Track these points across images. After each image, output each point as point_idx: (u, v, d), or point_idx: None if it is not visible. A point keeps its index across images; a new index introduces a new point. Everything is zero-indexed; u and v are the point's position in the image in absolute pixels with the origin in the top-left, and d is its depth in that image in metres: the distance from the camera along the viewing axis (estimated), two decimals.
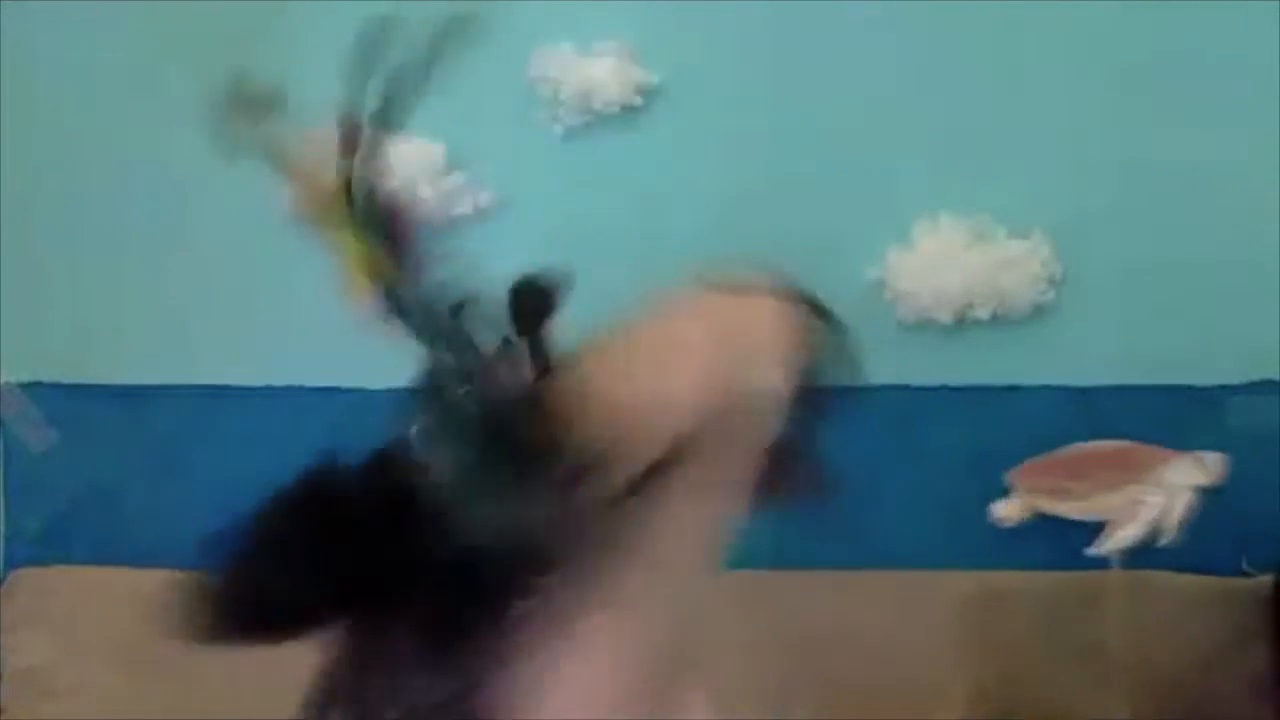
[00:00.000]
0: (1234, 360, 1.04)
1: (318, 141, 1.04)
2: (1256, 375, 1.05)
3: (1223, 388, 1.04)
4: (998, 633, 1.04)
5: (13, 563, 1.12)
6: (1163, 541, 1.06)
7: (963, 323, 1.03)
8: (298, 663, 1.12)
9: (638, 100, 0.99)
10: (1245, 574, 1.06)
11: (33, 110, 1.01)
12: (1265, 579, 1.05)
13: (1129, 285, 1.03)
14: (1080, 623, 1.06)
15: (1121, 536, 1.11)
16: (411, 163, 1.00)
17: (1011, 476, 1.13)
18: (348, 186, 0.58)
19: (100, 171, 1.03)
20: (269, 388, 1.09)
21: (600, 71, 0.97)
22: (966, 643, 1.06)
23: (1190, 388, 1.05)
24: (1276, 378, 1.04)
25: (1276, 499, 1.02)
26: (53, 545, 1.12)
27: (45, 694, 1.10)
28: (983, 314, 1.03)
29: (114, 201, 1.04)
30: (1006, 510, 1.13)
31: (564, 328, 0.99)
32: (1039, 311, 1.03)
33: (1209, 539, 1.02)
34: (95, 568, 1.11)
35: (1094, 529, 1.13)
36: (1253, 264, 1.02)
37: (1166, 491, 1.10)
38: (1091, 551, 1.08)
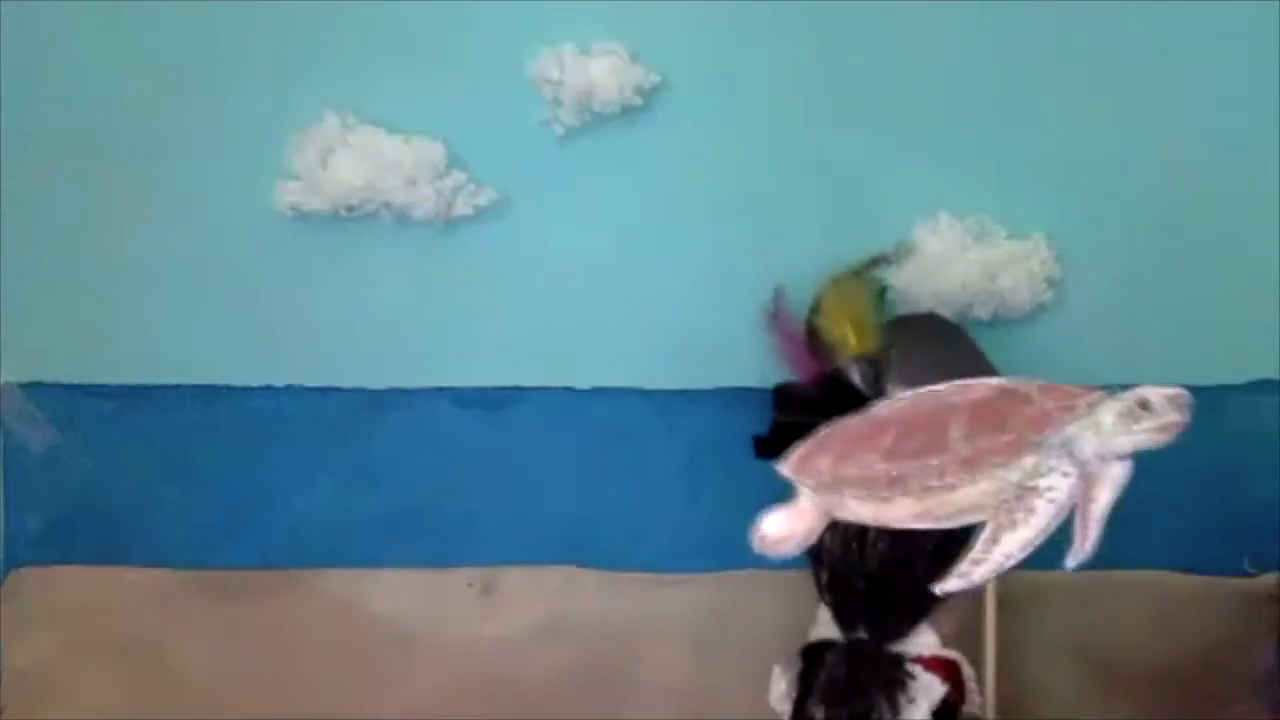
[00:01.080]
0: (1234, 360, 1.04)
1: (314, 140, 1.05)
2: (1256, 375, 1.05)
3: (1223, 388, 1.04)
4: (997, 633, 1.04)
5: (13, 563, 1.12)
6: (1079, 554, 0.70)
7: (963, 323, 1.03)
8: (299, 663, 1.13)
9: (638, 100, 0.99)
10: (1246, 574, 1.06)
11: (33, 110, 1.01)
12: (1266, 579, 1.05)
13: (1129, 285, 1.03)
14: (1080, 623, 1.06)
15: (996, 558, 0.69)
16: (411, 163, 1.00)
17: (788, 465, 0.79)
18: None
19: (100, 171, 1.03)
20: (269, 388, 1.09)
21: (600, 71, 0.97)
22: (966, 643, 1.06)
23: (1190, 388, 1.05)
24: (1276, 378, 1.04)
25: (1276, 499, 1.02)
26: (53, 545, 1.12)
27: (45, 694, 1.10)
28: (983, 314, 1.03)
29: (114, 201, 1.04)
30: (778, 527, 0.77)
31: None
32: (1039, 311, 1.03)
33: (1209, 539, 1.02)
34: (95, 568, 1.11)
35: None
36: (1253, 264, 1.02)
37: (1077, 463, 0.70)
38: (942, 589, 0.73)
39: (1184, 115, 0.99)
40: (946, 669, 0.90)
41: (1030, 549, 0.71)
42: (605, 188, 1.02)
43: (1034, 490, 0.71)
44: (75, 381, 1.09)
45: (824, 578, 0.92)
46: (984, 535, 0.72)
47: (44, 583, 1.11)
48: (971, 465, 0.72)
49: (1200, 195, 1.01)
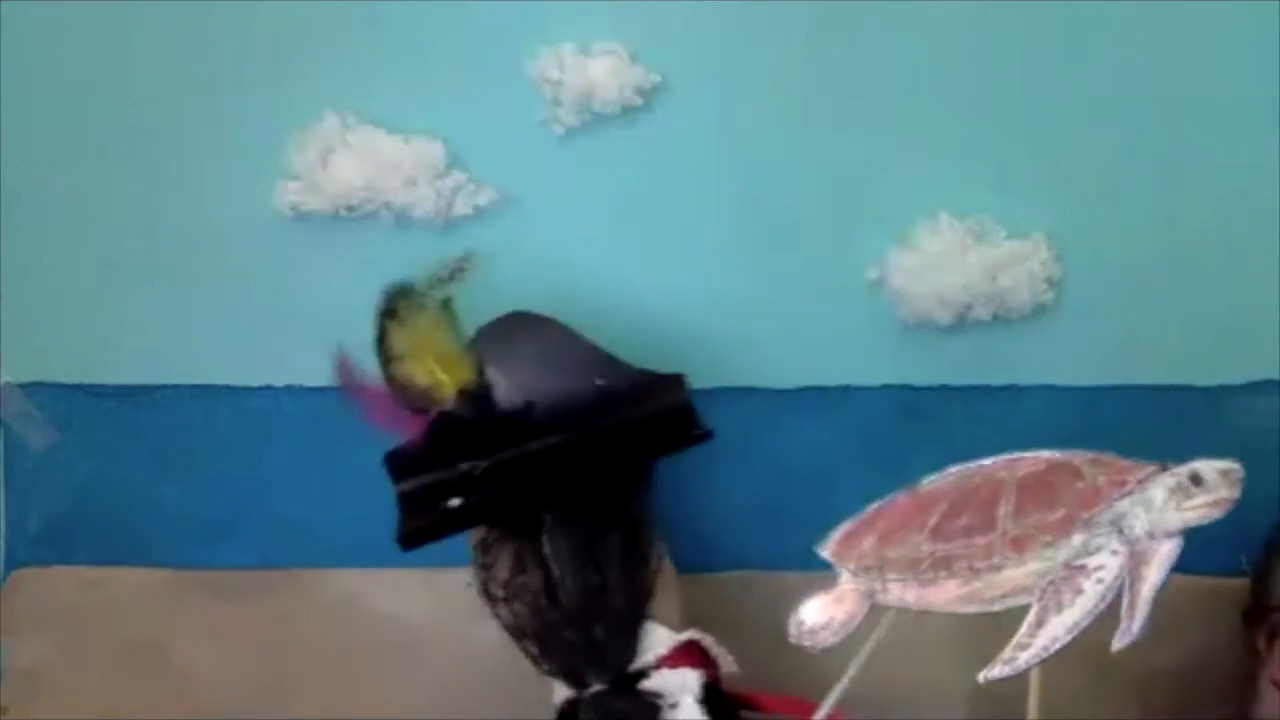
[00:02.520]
0: (1234, 360, 1.04)
1: (314, 140, 1.05)
2: (1256, 375, 1.05)
3: (1223, 388, 1.04)
4: (998, 633, 1.04)
5: (13, 563, 1.12)
6: (1126, 635, 0.66)
7: (963, 323, 1.03)
8: (299, 663, 1.13)
9: (638, 100, 0.99)
10: (1245, 574, 1.06)
11: (32, 110, 1.01)
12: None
13: (1129, 285, 1.03)
14: None
15: (1042, 642, 0.66)
16: (412, 163, 1.00)
17: (829, 548, 0.76)
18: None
19: (100, 171, 1.03)
20: (269, 388, 1.09)
21: (600, 71, 0.97)
22: (967, 642, 1.06)
23: (1190, 388, 1.05)
24: (1276, 378, 1.04)
25: (1277, 499, 1.02)
26: (53, 545, 1.12)
27: (45, 694, 1.10)
28: (983, 314, 1.03)
29: (114, 201, 1.04)
30: (816, 615, 0.73)
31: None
32: (1039, 311, 1.03)
33: (1209, 539, 1.01)
34: (95, 568, 1.11)
35: None
36: (1253, 264, 1.02)
37: (1126, 541, 0.67)
38: (988, 677, 0.70)
39: (1184, 115, 0.99)
40: (690, 652, 0.88)
41: (1077, 631, 0.68)
42: (605, 187, 1.02)
43: (1082, 570, 0.67)
44: (75, 381, 1.09)
45: (534, 649, 0.89)
46: (1030, 619, 0.69)
47: (44, 583, 1.11)
48: (1020, 545, 0.69)
49: (1200, 195, 1.01)
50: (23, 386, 1.09)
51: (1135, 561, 0.68)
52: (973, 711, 1.05)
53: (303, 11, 0.99)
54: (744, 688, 0.91)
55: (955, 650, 1.06)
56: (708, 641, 0.90)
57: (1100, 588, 0.67)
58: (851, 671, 0.73)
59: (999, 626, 1.01)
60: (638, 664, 0.87)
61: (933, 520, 0.73)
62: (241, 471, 1.10)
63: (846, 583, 0.75)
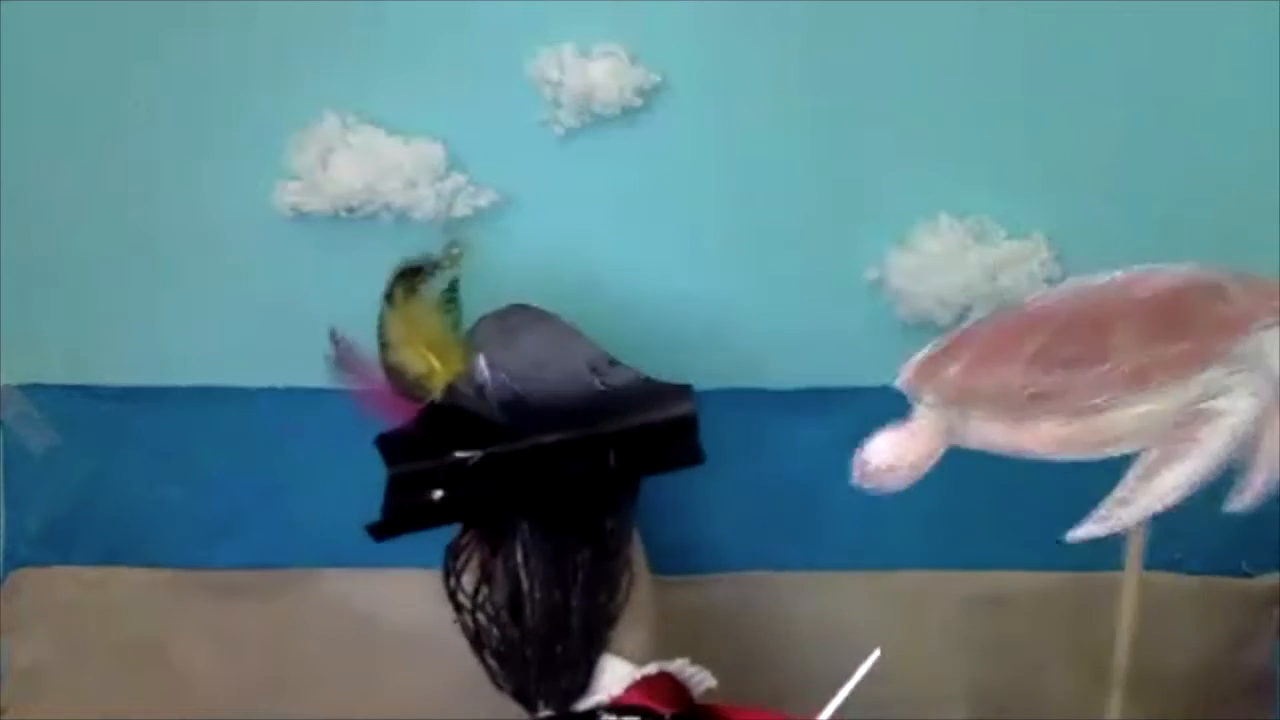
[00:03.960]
0: None
1: (314, 140, 1.05)
2: None
3: None
4: (998, 633, 1.04)
5: (13, 563, 1.12)
6: (1248, 493, 0.55)
7: (963, 323, 1.03)
8: (299, 663, 1.13)
9: (638, 101, 0.99)
10: (1245, 574, 1.06)
11: (32, 110, 1.01)
12: (1266, 579, 1.05)
13: None
14: (1080, 623, 1.06)
15: (1147, 499, 0.54)
16: (411, 165, 1.00)
17: (907, 374, 0.63)
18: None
19: (100, 171, 1.03)
20: (270, 388, 1.09)
21: (600, 73, 0.97)
22: (966, 643, 1.06)
23: None
24: None
25: (1277, 499, 1.02)
26: (53, 545, 1.12)
27: (45, 694, 1.10)
28: (983, 314, 1.02)
29: (114, 202, 1.04)
30: (883, 454, 0.62)
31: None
32: None
33: (1209, 539, 1.02)
34: (95, 568, 1.11)
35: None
36: (1252, 264, 1.02)
37: (1270, 379, 0.53)
38: (1075, 537, 0.58)
39: (1184, 115, 0.99)
40: (650, 689, 0.83)
41: (1193, 488, 0.56)
42: (605, 188, 1.02)
43: (1206, 414, 0.55)
44: (75, 382, 1.09)
45: (492, 663, 0.87)
46: (1135, 470, 0.58)
47: (44, 583, 1.11)
48: (1136, 380, 0.56)
49: (1200, 195, 1.01)
50: (22, 388, 1.09)
51: (1276, 406, 0.56)
52: (973, 711, 1.05)
53: (303, 11, 0.99)
54: (723, 701, 0.89)
55: (955, 649, 1.06)
56: (675, 668, 0.86)
57: (1228, 435, 0.56)
58: (839, 700, 0.66)
59: (997, 626, 1.02)
60: (589, 701, 0.83)
61: (1031, 348, 0.61)
62: (241, 471, 1.10)
63: (923, 417, 0.64)
